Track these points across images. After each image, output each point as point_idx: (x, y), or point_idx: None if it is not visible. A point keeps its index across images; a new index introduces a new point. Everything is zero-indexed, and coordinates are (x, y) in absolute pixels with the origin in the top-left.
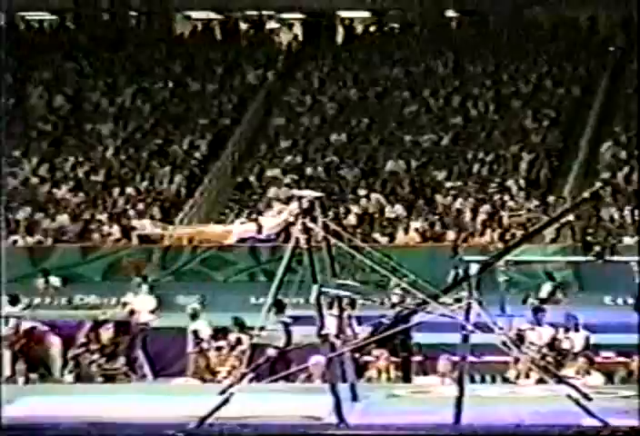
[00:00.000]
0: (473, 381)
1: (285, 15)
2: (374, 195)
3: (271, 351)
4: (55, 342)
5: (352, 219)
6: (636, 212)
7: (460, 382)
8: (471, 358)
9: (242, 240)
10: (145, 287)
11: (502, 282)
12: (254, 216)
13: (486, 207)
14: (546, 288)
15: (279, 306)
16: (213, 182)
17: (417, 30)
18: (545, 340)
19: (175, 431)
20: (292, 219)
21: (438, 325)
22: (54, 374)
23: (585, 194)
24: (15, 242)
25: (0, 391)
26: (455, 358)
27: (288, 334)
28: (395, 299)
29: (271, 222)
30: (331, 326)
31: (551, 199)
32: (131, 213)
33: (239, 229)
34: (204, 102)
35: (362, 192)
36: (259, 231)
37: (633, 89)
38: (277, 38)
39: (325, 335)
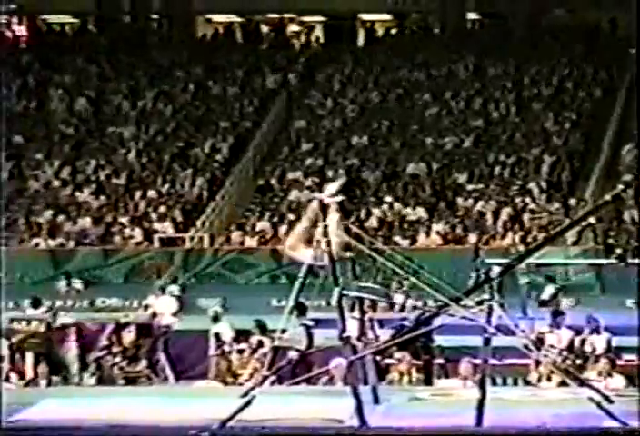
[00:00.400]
0: (494, 383)
1: (306, 18)
2: (396, 205)
3: (293, 354)
4: (72, 346)
5: (373, 221)
6: None
7: (482, 385)
8: (493, 361)
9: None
10: (175, 288)
11: (523, 285)
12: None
13: (508, 210)
14: (549, 290)
15: (301, 309)
16: (234, 184)
17: (438, 32)
18: (565, 343)
19: (197, 432)
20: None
21: (460, 328)
22: (72, 377)
23: (607, 197)
24: (37, 244)
25: (0, 391)
26: (477, 361)
27: (310, 337)
28: (398, 300)
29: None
30: (352, 329)
31: (572, 201)
32: (153, 215)
33: (301, 253)
34: (225, 104)
35: (387, 198)
36: (315, 259)
37: None
38: (298, 41)
39: (347, 338)
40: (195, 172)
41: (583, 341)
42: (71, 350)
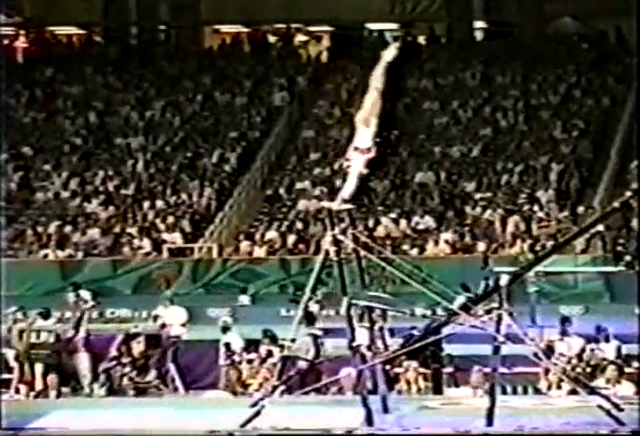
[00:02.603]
0: (504, 392)
1: (313, 28)
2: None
3: (302, 364)
4: (84, 357)
5: (381, 231)
6: None
7: (491, 394)
8: (502, 369)
9: None
10: (245, 298)
11: (532, 293)
12: None
13: (516, 218)
14: (460, 299)
15: (309, 318)
16: (242, 195)
17: (445, 41)
18: (575, 351)
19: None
20: None
21: (469, 336)
22: (82, 388)
23: (615, 204)
24: (46, 256)
25: None
26: (487, 369)
27: (317, 346)
28: (314, 310)
29: None
30: (362, 338)
31: (581, 209)
32: (161, 226)
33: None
34: (233, 115)
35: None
36: None
37: None
38: (306, 51)
39: (357, 347)
40: (203, 182)
41: (592, 349)
42: (82, 361)
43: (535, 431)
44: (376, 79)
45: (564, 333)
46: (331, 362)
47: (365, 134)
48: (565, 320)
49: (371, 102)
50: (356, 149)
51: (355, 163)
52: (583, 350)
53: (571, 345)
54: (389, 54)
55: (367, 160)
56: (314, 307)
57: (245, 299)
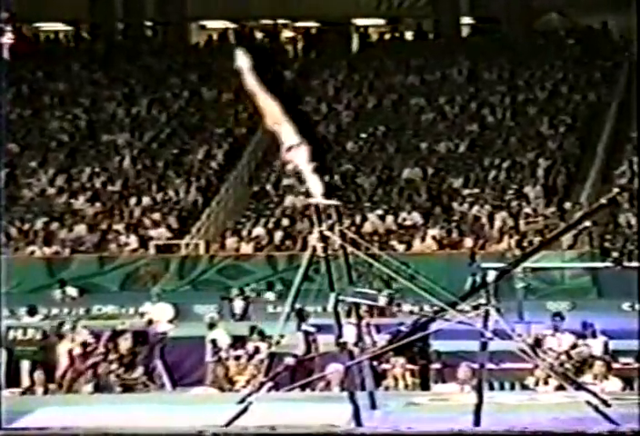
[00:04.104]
0: (492, 388)
1: (300, 24)
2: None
3: (289, 360)
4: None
5: (368, 227)
6: None
7: (479, 390)
8: (490, 365)
9: None
10: (271, 295)
11: (520, 289)
12: None
13: (503, 214)
14: (382, 297)
15: (300, 315)
16: (229, 191)
17: (432, 37)
18: (565, 347)
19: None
20: None
21: (457, 333)
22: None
23: (603, 200)
24: (33, 252)
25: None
26: (474, 365)
27: (308, 343)
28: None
29: None
30: (350, 334)
31: (568, 205)
32: (148, 222)
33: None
34: (219, 111)
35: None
36: None
37: None
38: (292, 47)
39: (344, 343)
40: (189, 178)
41: (580, 345)
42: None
43: (526, 430)
44: (250, 85)
45: (555, 329)
46: (320, 359)
47: (286, 133)
48: (557, 315)
49: (263, 105)
50: (289, 149)
51: (299, 160)
52: (573, 346)
53: (561, 341)
54: (242, 61)
55: (306, 153)
56: (239, 304)
57: (270, 296)
